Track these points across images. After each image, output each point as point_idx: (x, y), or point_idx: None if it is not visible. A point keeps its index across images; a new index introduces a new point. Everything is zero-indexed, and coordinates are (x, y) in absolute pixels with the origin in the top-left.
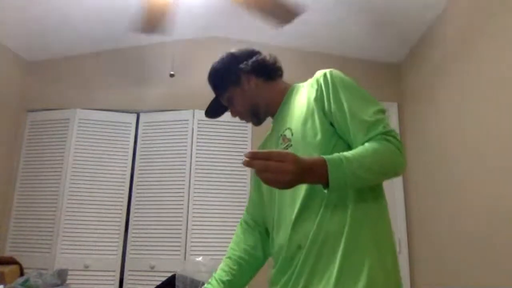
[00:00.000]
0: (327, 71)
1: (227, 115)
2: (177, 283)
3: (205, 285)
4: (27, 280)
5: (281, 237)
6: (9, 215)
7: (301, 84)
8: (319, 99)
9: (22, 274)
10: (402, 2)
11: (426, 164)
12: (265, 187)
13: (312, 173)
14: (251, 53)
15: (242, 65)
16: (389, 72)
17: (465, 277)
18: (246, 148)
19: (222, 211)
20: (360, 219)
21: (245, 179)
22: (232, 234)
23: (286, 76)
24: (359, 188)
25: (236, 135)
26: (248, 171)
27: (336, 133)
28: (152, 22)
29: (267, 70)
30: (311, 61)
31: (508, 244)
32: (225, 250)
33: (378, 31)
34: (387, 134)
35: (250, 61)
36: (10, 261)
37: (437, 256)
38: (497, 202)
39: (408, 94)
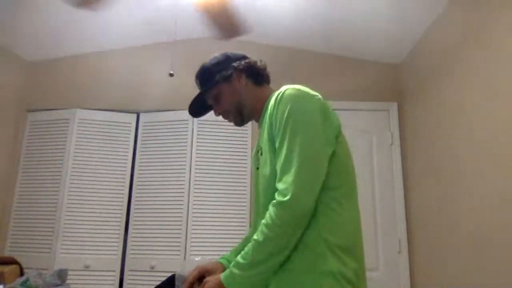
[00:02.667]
0: (282, 95)
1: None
2: (177, 283)
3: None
4: (27, 280)
5: None
6: (9, 215)
7: (273, 94)
8: (273, 127)
9: (22, 274)
10: (402, 2)
11: (426, 164)
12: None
13: None
14: (244, 56)
15: (235, 63)
16: (389, 72)
17: (465, 277)
18: (246, 148)
19: (222, 211)
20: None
21: (245, 179)
22: (232, 234)
23: (286, 76)
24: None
25: (236, 135)
26: (248, 171)
27: None
28: (228, 25)
29: (257, 74)
30: (311, 61)
31: (508, 244)
32: (225, 250)
33: (378, 31)
34: (279, 192)
35: (243, 61)
36: (10, 261)
37: (437, 256)
38: (497, 202)
39: (408, 94)
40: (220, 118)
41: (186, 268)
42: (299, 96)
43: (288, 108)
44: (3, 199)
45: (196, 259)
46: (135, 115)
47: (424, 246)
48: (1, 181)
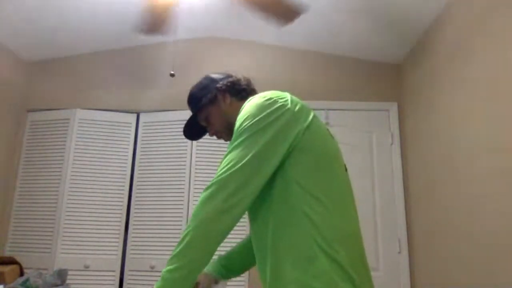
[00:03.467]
0: (246, 105)
1: None
2: None
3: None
4: (27, 280)
5: None
6: (9, 215)
7: None
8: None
9: (22, 274)
10: (402, 2)
11: (426, 164)
12: None
13: None
14: (227, 76)
15: (218, 84)
16: (389, 72)
17: (465, 278)
18: None
19: None
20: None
21: None
22: (232, 234)
23: (286, 76)
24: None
25: None
26: None
27: None
28: (155, 24)
29: (240, 90)
30: (311, 61)
31: (509, 244)
32: (225, 250)
33: (378, 31)
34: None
35: (225, 81)
36: (10, 261)
37: (437, 256)
38: (498, 202)
39: (408, 94)
40: None
41: None
42: (252, 105)
43: (241, 115)
44: (3, 199)
45: None
46: (135, 115)
47: (424, 246)
48: (1, 181)
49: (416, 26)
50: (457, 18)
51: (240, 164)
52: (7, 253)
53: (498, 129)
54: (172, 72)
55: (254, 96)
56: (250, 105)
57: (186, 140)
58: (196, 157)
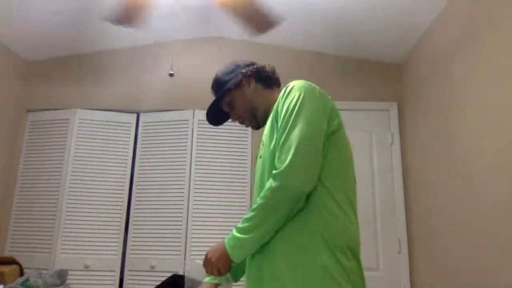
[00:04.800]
0: (289, 86)
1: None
2: (186, 285)
3: None
4: (27, 280)
5: None
6: (9, 215)
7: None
8: (276, 119)
9: (22, 274)
10: (402, 2)
11: (426, 164)
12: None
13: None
14: (252, 62)
15: (243, 70)
16: (389, 72)
17: (465, 277)
18: (246, 148)
19: (222, 211)
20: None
21: (245, 179)
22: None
23: (286, 76)
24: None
25: (236, 135)
26: (248, 171)
27: None
28: (129, 15)
29: (266, 77)
30: (311, 61)
31: (509, 244)
32: None
33: (378, 31)
34: (278, 164)
35: (251, 67)
36: (10, 261)
37: (437, 256)
38: (498, 202)
39: (408, 94)
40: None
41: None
42: (306, 87)
43: (295, 94)
44: (3, 199)
45: (198, 260)
46: (135, 115)
47: (424, 246)
48: (1, 181)
49: (416, 26)
50: (458, 18)
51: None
52: (7, 253)
53: (498, 129)
54: (171, 72)
55: (297, 80)
56: (304, 87)
57: (186, 140)
58: (196, 157)
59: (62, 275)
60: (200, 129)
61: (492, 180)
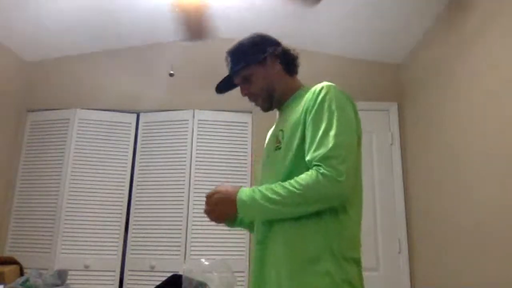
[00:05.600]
0: (325, 86)
1: (227, 117)
2: (184, 285)
3: None
4: (27, 280)
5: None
6: (9, 215)
7: (307, 88)
8: (306, 115)
9: (22, 274)
10: (403, 2)
11: (426, 164)
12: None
13: (225, 204)
14: (278, 42)
15: (272, 48)
16: (389, 72)
17: (465, 278)
18: (246, 148)
19: None
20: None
21: (245, 179)
22: (232, 234)
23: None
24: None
25: (236, 135)
26: (248, 170)
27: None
28: (195, 28)
29: (289, 62)
30: (311, 61)
31: (509, 244)
32: (225, 250)
33: (378, 31)
34: (323, 162)
35: (279, 47)
36: (10, 261)
37: (437, 256)
38: (498, 202)
39: (408, 94)
40: (220, 117)
41: (191, 268)
42: (340, 91)
43: (329, 96)
44: (3, 199)
45: (206, 263)
46: (135, 115)
47: (424, 246)
48: (1, 181)
49: (416, 26)
50: (458, 18)
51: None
52: (7, 253)
53: (498, 129)
54: (171, 72)
55: (328, 82)
56: (338, 91)
57: (186, 140)
58: (196, 157)
59: (62, 275)
60: (200, 129)
61: (492, 180)
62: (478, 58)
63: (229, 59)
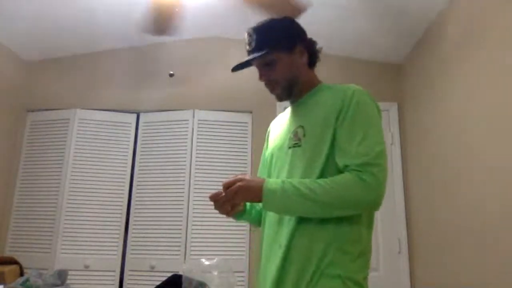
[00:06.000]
0: (359, 90)
1: (227, 117)
2: (184, 285)
3: None
4: (27, 280)
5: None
6: (9, 215)
7: (328, 86)
8: (339, 116)
9: (22, 274)
10: (403, 2)
11: (426, 164)
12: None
13: (249, 193)
14: (305, 32)
15: (302, 37)
16: (389, 72)
17: (465, 278)
18: (246, 148)
19: None
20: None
21: None
22: (232, 234)
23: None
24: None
25: (236, 135)
26: (248, 170)
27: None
28: (161, 24)
29: (314, 55)
30: None
31: (509, 245)
32: (225, 250)
33: (378, 31)
34: (364, 168)
35: (308, 38)
36: (10, 261)
37: (437, 256)
38: (498, 202)
39: (408, 94)
40: (220, 117)
41: (191, 268)
42: (371, 97)
43: (364, 102)
44: (3, 199)
45: (206, 263)
46: (135, 115)
47: (424, 246)
48: (1, 181)
49: (416, 26)
50: (458, 18)
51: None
52: (7, 253)
53: (499, 129)
54: (171, 72)
55: (358, 87)
56: (370, 98)
57: (186, 140)
58: (196, 157)
59: (62, 275)
60: (200, 129)
61: (492, 180)
62: (479, 58)
63: (254, 37)
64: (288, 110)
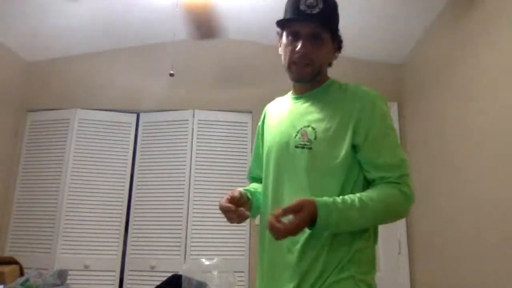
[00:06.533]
0: (378, 95)
1: (227, 117)
2: (184, 285)
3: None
4: (27, 280)
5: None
6: (9, 215)
7: (338, 84)
8: (357, 121)
9: (22, 274)
10: (403, 1)
11: (426, 164)
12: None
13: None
14: None
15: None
16: (389, 72)
17: (465, 278)
18: (246, 148)
19: None
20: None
21: (245, 179)
22: (232, 234)
23: (285, 76)
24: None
25: (236, 135)
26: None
27: (354, 159)
28: (206, 27)
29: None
30: None
31: (508, 245)
32: (225, 250)
33: (378, 31)
34: (402, 180)
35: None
36: (10, 261)
37: (437, 256)
38: (498, 202)
39: (408, 94)
40: (220, 117)
41: (190, 268)
42: (385, 102)
43: (385, 109)
44: (3, 199)
45: (206, 262)
46: (135, 115)
47: (424, 246)
48: (1, 181)
49: (416, 26)
50: (458, 18)
51: None
52: (7, 253)
53: (498, 129)
54: (171, 72)
55: (375, 93)
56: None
57: (186, 140)
58: (196, 157)
59: (62, 275)
60: (200, 129)
61: (492, 180)
62: (478, 58)
63: (320, 4)
64: (289, 97)
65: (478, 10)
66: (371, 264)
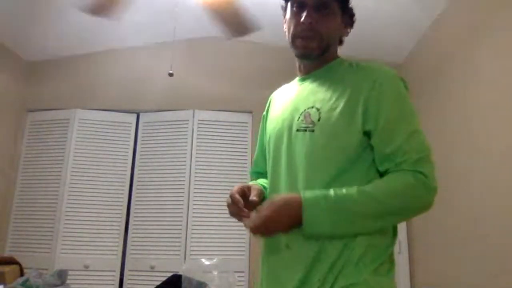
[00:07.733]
0: (391, 74)
1: (227, 117)
2: (184, 285)
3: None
4: (27, 280)
5: None
6: (9, 215)
7: (348, 62)
8: (367, 102)
9: (22, 274)
10: (403, 2)
11: None
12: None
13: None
14: None
15: (353, 11)
16: None
17: (465, 278)
18: (246, 148)
19: (222, 211)
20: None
21: (245, 179)
22: (232, 234)
23: (285, 76)
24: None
25: (236, 135)
26: (248, 170)
27: (366, 143)
28: (239, 24)
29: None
30: None
31: (509, 245)
32: (225, 250)
33: (378, 30)
34: (418, 166)
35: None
36: (10, 261)
37: (437, 257)
38: (499, 202)
39: (408, 94)
40: (220, 117)
41: (190, 268)
42: (402, 81)
43: (402, 89)
44: (3, 199)
45: (206, 262)
46: (135, 115)
47: (424, 247)
48: (1, 181)
49: (417, 25)
50: (458, 18)
51: None
52: (7, 253)
53: (499, 129)
54: (170, 72)
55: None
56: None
57: (186, 140)
58: (196, 157)
59: (62, 275)
60: (200, 129)
61: (492, 180)
62: (478, 58)
63: None
64: (295, 82)
65: (479, 9)
66: (388, 263)
